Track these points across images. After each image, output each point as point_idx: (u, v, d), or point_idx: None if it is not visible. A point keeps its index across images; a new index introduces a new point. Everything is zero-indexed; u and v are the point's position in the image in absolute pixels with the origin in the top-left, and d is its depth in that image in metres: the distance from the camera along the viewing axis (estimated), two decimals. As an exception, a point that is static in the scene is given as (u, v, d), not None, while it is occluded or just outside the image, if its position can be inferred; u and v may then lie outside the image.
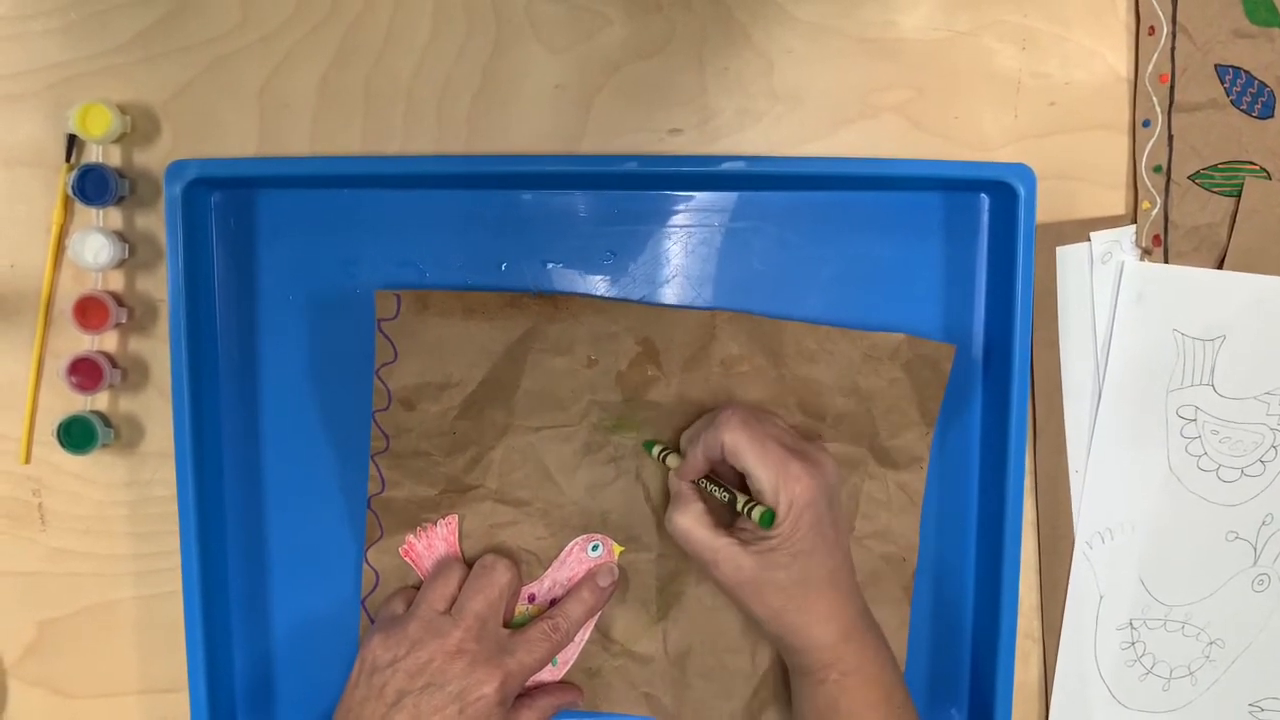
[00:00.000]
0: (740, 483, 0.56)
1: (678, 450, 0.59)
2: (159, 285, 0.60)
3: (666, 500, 0.59)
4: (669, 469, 0.58)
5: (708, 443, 0.54)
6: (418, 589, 0.59)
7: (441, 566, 0.58)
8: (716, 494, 0.56)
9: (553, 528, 0.61)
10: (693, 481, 0.57)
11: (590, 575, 0.60)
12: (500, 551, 0.60)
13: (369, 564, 0.60)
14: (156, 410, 0.60)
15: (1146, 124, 0.60)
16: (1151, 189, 0.60)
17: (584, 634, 0.61)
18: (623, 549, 0.61)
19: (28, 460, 0.60)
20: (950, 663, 0.62)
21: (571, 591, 0.60)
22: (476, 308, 0.58)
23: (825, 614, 0.53)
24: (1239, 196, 0.60)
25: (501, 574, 0.57)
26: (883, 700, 0.54)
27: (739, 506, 0.54)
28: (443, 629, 0.55)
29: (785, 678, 0.60)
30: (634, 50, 0.59)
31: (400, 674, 0.54)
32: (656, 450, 0.59)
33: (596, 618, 0.61)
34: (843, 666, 0.53)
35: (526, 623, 0.58)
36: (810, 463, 0.53)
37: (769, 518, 0.52)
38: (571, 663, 0.61)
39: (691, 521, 0.55)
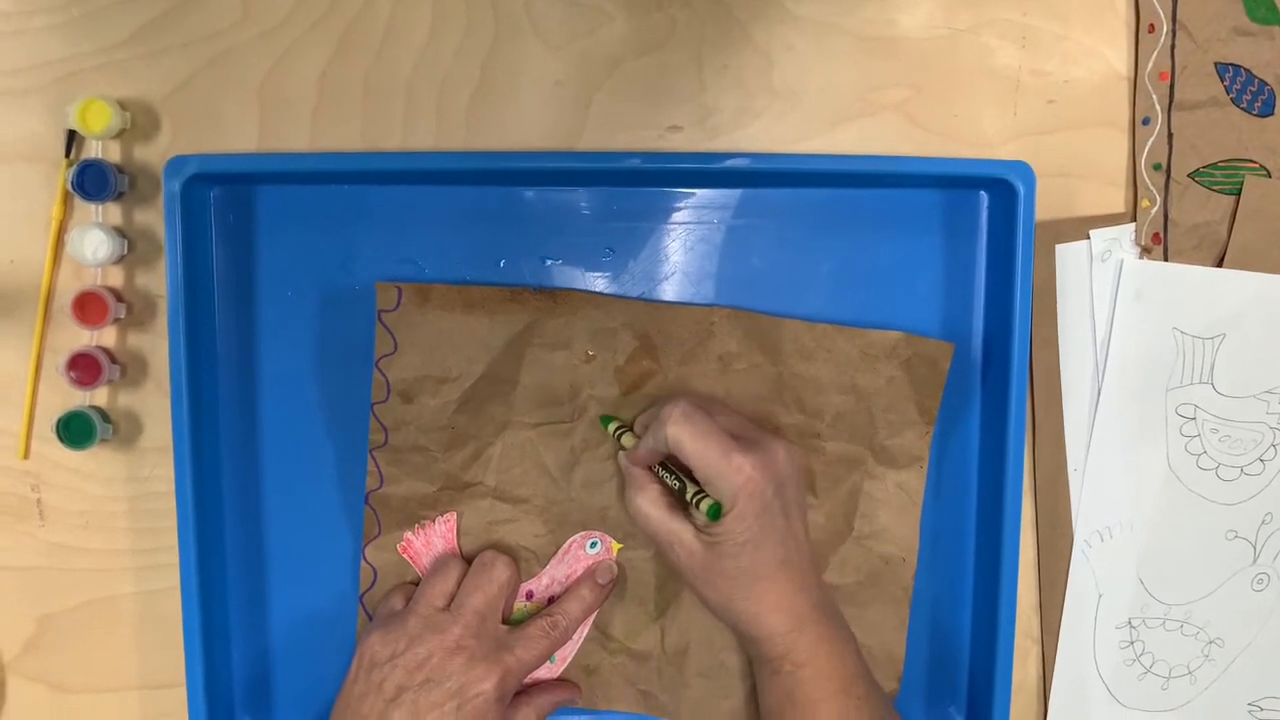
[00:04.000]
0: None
1: (632, 429, 0.59)
2: (158, 281, 0.60)
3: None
4: (622, 447, 0.58)
5: (654, 435, 0.54)
6: (416, 585, 0.59)
7: (440, 563, 0.58)
8: (668, 480, 0.56)
9: (551, 525, 0.61)
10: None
11: (589, 573, 0.60)
12: (499, 548, 0.60)
13: (367, 560, 0.60)
14: (155, 406, 0.60)
15: (1146, 122, 0.60)
16: (1151, 187, 0.60)
17: (582, 631, 0.61)
18: (621, 546, 0.61)
19: (26, 455, 0.60)
20: (949, 662, 0.62)
21: (570, 589, 0.59)
22: (477, 302, 0.58)
23: (775, 604, 0.53)
24: (1239, 194, 0.60)
25: (500, 571, 0.57)
26: (840, 691, 0.53)
27: (688, 497, 0.54)
28: (442, 625, 0.55)
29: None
30: (634, 47, 0.59)
31: (399, 670, 0.54)
32: (613, 427, 0.59)
33: (595, 615, 0.60)
34: (795, 657, 0.53)
35: (525, 619, 0.58)
36: (756, 452, 0.53)
37: (715, 510, 0.52)
38: (570, 660, 0.61)
39: (648, 503, 0.55)
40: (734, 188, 0.60)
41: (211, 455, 0.59)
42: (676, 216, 0.60)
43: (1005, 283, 0.58)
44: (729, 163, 0.57)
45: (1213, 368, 0.60)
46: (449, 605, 0.56)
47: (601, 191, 0.60)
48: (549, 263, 0.60)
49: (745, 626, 0.54)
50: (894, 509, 0.61)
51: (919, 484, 0.60)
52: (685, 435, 0.53)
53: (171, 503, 0.58)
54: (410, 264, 0.60)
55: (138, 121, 0.59)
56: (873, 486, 0.60)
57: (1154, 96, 0.60)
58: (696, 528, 0.54)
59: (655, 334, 0.59)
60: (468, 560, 0.59)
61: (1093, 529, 0.62)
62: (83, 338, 0.59)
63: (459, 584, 0.57)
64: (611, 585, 0.60)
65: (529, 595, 0.60)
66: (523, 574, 0.60)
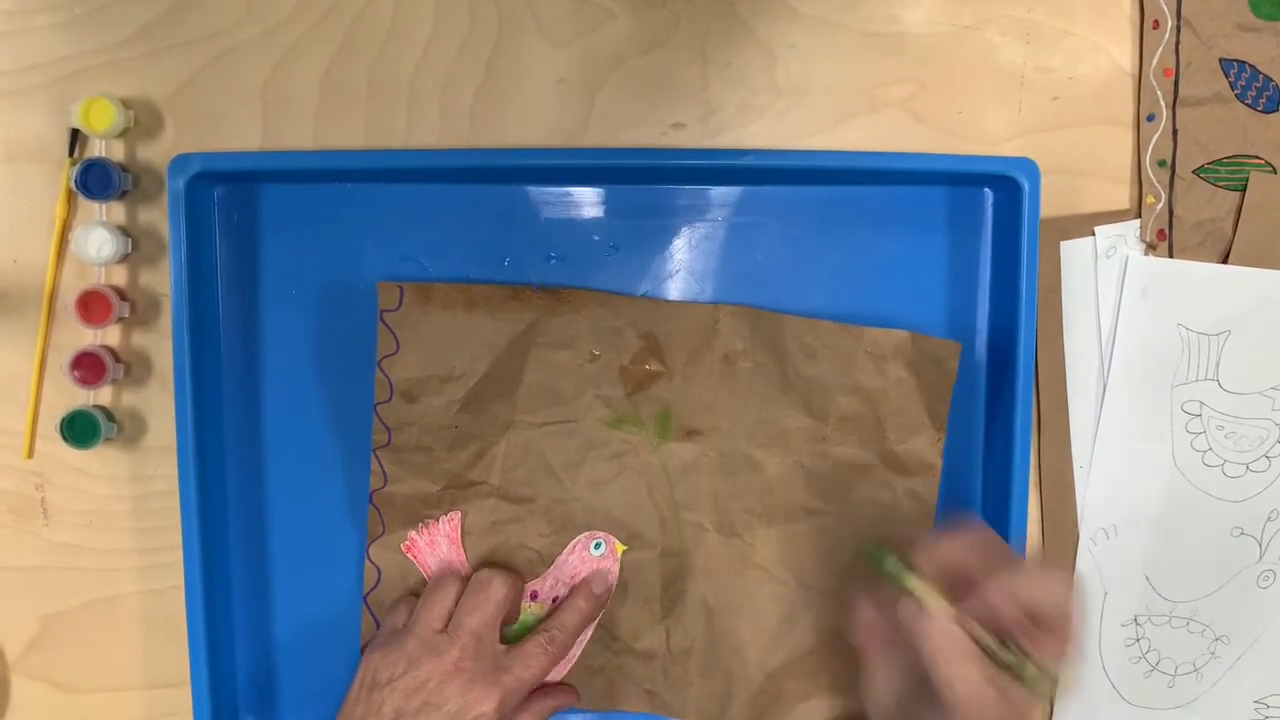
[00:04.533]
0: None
1: (917, 570, 0.49)
2: (162, 280, 0.60)
3: (673, 498, 0.60)
4: (910, 590, 0.49)
5: (1034, 590, 0.48)
6: (422, 590, 0.59)
7: (438, 582, 0.58)
8: (993, 647, 0.48)
9: (555, 525, 0.60)
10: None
11: (585, 583, 0.59)
12: (503, 548, 0.60)
13: (371, 560, 0.60)
14: (159, 405, 0.60)
15: (1151, 118, 0.60)
16: (1156, 183, 0.60)
17: (582, 640, 0.60)
18: (625, 547, 0.60)
19: (31, 455, 0.60)
20: (954, 659, 0.62)
21: (566, 601, 0.59)
22: (479, 300, 0.58)
23: None
24: (1244, 191, 0.60)
25: (497, 589, 0.57)
26: None
27: (1026, 673, 0.48)
28: (439, 648, 0.54)
29: (789, 680, 0.60)
30: (637, 44, 0.59)
31: (398, 693, 0.53)
32: (898, 567, 0.50)
33: (594, 624, 0.60)
34: None
35: (529, 625, 0.58)
36: None
37: (1051, 684, 0.48)
38: (573, 661, 0.60)
39: (979, 666, 0.47)
40: (738, 185, 0.60)
41: (215, 454, 0.59)
42: (680, 214, 0.60)
43: (1010, 280, 0.58)
44: (733, 160, 0.57)
45: (1218, 364, 0.60)
46: (447, 626, 0.56)
47: (605, 189, 0.60)
48: (553, 261, 0.60)
49: None
50: (905, 518, 0.60)
51: (932, 493, 0.60)
52: (1073, 598, 0.48)
53: (175, 502, 0.57)
54: (414, 262, 0.60)
55: (141, 120, 0.59)
56: (883, 494, 0.60)
57: (1159, 93, 0.60)
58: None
59: (659, 332, 0.59)
60: (472, 565, 0.59)
61: (1098, 526, 0.62)
62: (86, 337, 0.59)
63: (457, 602, 0.57)
64: (607, 594, 0.60)
65: (534, 595, 0.60)
66: (527, 575, 0.60)
